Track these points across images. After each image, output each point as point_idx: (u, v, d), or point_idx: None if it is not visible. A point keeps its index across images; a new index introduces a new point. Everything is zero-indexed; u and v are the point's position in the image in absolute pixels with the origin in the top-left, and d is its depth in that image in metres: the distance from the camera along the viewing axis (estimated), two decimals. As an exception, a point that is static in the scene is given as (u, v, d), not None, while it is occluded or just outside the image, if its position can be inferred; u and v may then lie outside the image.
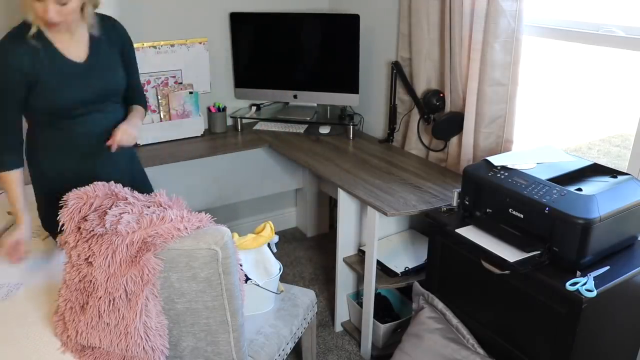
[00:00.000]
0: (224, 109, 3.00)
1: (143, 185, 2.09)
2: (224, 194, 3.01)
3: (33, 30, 1.67)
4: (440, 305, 2.01)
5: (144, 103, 2.08)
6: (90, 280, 1.46)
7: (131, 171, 2.05)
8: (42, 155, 1.87)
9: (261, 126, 3.06)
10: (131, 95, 2.01)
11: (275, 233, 1.96)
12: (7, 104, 1.72)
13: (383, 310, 2.48)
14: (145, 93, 2.12)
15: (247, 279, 1.83)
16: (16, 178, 1.79)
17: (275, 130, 3.01)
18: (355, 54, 2.81)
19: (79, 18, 1.73)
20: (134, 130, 1.89)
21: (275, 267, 1.95)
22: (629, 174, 1.82)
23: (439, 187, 2.28)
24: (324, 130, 2.97)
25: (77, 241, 1.47)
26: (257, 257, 1.92)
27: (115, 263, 1.41)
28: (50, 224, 1.90)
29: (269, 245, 1.95)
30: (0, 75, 1.69)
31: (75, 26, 1.75)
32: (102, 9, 2.44)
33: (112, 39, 1.87)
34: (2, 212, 2.25)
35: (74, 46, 1.77)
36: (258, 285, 1.86)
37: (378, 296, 2.47)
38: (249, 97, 3.14)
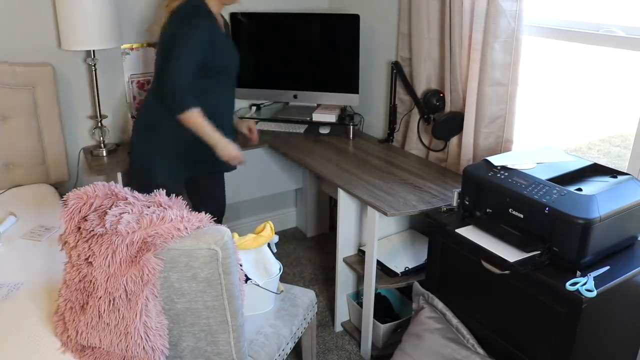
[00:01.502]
0: (224, 109, 3.00)
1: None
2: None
3: (214, 9, 2.17)
4: (440, 305, 2.01)
5: None
6: (90, 280, 1.46)
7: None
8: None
9: (261, 126, 3.06)
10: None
11: (275, 233, 1.96)
12: (196, 57, 2.09)
13: (383, 310, 2.48)
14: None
15: (247, 279, 1.83)
16: (201, 113, 2.13)
17: (275, 130, 3.01)
18: (355, 54, 2.81)
19: None
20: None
21: (275, 267, 1.95)
22: (629, 174, 1.82)
23: (439, 187, 2.28)
24: (324, 130, 2.97)
25: (77, 241, 1.47)
26: (257, 257, 1.92)
27: (115, 263, 1.41)
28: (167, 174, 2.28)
29: (269, 245, 1.95)
30: (194, 34, 2.08)
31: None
32: (104, 8, 2.45)
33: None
34: (2, 212, 2.25)
35: (221, 22, 2.26)
36: (258, 285, 1.86)
37: (378, 296, 2.47)
38: (249, 97, 3.13)
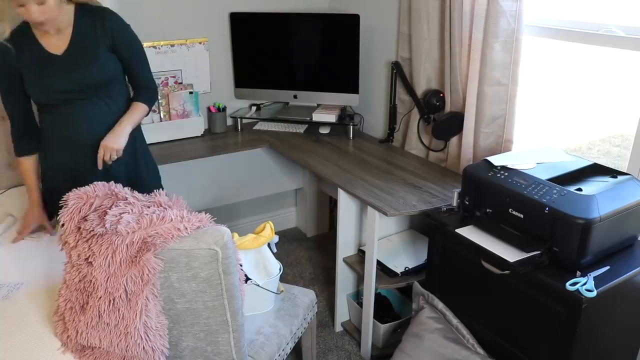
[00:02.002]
0: (224, 109, 3.00)
1: (148, 176, 2.16)
2: (224, 194, 3.01)
3: (7, 31, 1.81)
4: (440, 305, 2.01)
5: (147, 97, 2.07)
6: (90, 280, 1.46)
7: (133, 162, 2.10)
8: (44, 148, 2.01)
9: (261, 126, 3.06)
10: (134, 88, 2.07)
11: (275, 233, 1.96)
12: (8, 97, 1.91)
13: (383, 310, 2.48)
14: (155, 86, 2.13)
15: (247, 279, 1.83)
16: (29, 164, 1.99)
17: (275, 130, 3.01)
18: (355, 54, 2.81)
19: (61, 10, 1.82)
20: (116, 142, 1.92)
21: (275, 267, 1.95)
22: (629, 174, 1.82)
23: (439, 187, 2.28)
24: (324, 130, 2.97)
25: (77, 241, 1.47)
26: (257, 257, 1.92)
27: (115, 263, 1.41)
28: (49, 214, 2.09)
29: (269, 245, 1.95)
30: None
31: (60, 20, 1.84)
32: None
33: (97, 31, 1.90)
34: (2, 212, 2.25)
35: (56, 39, 1.87)
36: (258, 286, 1.86)
37: (378, 296, 2.47)
38: (249, 97, 3.14)
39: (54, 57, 1.86)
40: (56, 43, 1.87)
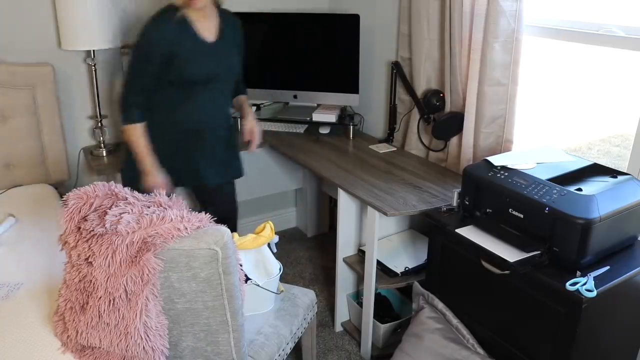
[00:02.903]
0: (224, 109, 3.00)
1: (232, 168, 2.41)
2: (224, 194, 3.01)
3: (179, 12, 2.00)
4: (440, 305, 2.01)
5: (246, 92, 2.45)
6: (90, 280, 1.46)
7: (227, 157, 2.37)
8: (166, 118, 2.15)
9: (261, 126, 3.06)
10: (237, 83, 2.33)
11: (275, 233, 1.96)
12: (148, 70, 2.02)
13: (383, 310, 2.48)
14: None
15: (247, 279, 1.83)
16: (143, 131, 2.08)
17: (275, 130, 3.00)
18: (355, 54, 2.81)
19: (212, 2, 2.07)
20: (259, 127, 2.36)
21: (275, 267, 1.95)
22: (629, 174, 1.82)
23: (439, 187, 2.28)
24: (324, 130, 2.97)
25: (77, 241, 1.47)
26: (257, 257, 1.92)
27: (115, 263, 1.41)
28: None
29: (269, 245, 1.95)
30: (146, 46, 2.01)
31: (210, 9, 2.09)
32: (104, 8, 2.45)
33: (234, 29, 2.21)
34: (3, 212, 2.25)
35: (207, 27, 2.09)
36: (258, 286, 1.86)
37: (378, 296, 2.47)
38: (249, 97, 3.11)
39: (207, 44, 2.09)
40: (208, 31, 2.09)
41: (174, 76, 2.05)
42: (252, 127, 2.33)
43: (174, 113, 2.12)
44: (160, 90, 2.08)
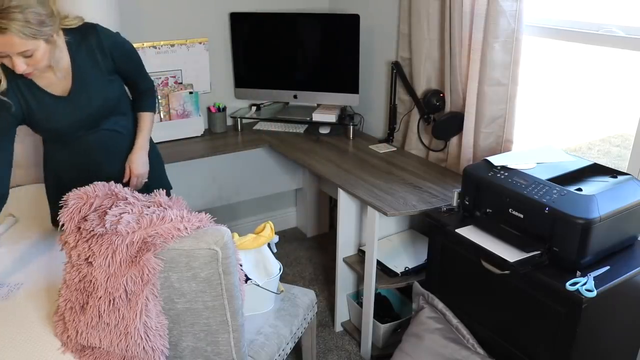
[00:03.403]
0: (224, 109, 3.00)
1: (155, 181, 2.12)
2: (224, 194, 3.01)
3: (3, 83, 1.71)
4: (440, 305, 2.01)
5: (149, 102, 2.08)
6: (90, 280, 1.46)
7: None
8: (51, 158, 2.00)
9: (261, 126, 3.06)
10: (134, 93, 2.05)
11: (275, 233, 1.96)
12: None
13: (383, 310, 2.48)
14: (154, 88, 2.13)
15: (247, 279, 1.83)
16: None
17: (275, 130, 3.01)
18: (355, 54, 2.81)
19: (53, 55, 1.71)
20: (142, 165, 2.01)
21: (276, 267, 1.95)
22: (629, 174, 1.82)
23: (439, 187, 2.28)
24: (324, 130, 2.97)
25: (77, 241, 1.47)
26: (257, 257, 1.92)
27: (115, 263, 1.41)
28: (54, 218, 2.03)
29: (269, 245, 1.95)
30: None
31: (55, 61, 1.74)
32: (104, 8, 2.44)
33: (97, 57, 1.83)
34: (3, 212, 2.25)
35: (56, 81, 1.79)
36: (258, 286, 1.86)
37: (378, 296, 2.47)
38: (249, 97, 3.14)
39: (61, 100, 1.81)
40: (59, 84, 1.80)
41: (41, 131, 1.89)
42: (131, 162, 2.00)
43: (53, 164, 1.99)
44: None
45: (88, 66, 1.82)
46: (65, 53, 1.77)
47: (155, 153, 2.20)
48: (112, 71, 1.88)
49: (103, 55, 1.83)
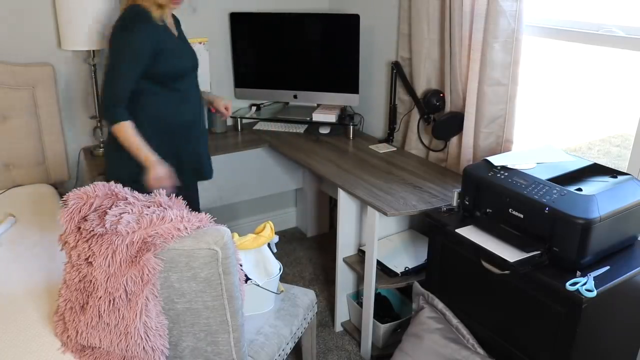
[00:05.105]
0: (224, 109, 3.00)
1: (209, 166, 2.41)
2: (224, 194, 3.01)
3: (156, 13, 2.03)
4: (440, 305, 2.01)
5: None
6: (90, 280, 1.46)
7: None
8: (158, 112, 2.16)
9: (261, 126, 3.06)
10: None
11: (275, 233, 1.96)
12: (137, 71, 2.01)
13: (383, 310, 2.48)
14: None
15: (247, 279, 1.83)
16: (133, 127, 2.05)
17: (275, 130, 3.01)
18: (355, 54, 2.81)
19: None
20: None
21: (276, 267, 1.95)
22: (629, 174, 1.82)
23: (439, 187, 2.28)
24: (324, 130, 2.97)
25: (77, 241, 1.47)
26: (257, 257, 1.92)
27: (115, 263, 1.41)
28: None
29: (269, 245, 1.95)
30: (136, 49, 2.00)
31: None
32: (102, 8, 2.44)
33: (179, 25, 2.26)
34: (2, 212, 2.25)
35: (171, 24, 2.16)
36: (258, 286, 1.86)
37: (378, 296, 2.47)
38: (249, 97, 3.13)
39: (179, 41, 2.18)
40: (172, 28, 2.15)
41: (161, 71, 2.07)
42: (224, 101, 2.48)
43: (162, 109, 2.13)
44: (142, 88, 2.07)
45: (179, 25, 2.25)
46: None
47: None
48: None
49: (180, 27, 2.26)
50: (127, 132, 2.03)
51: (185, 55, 2.19)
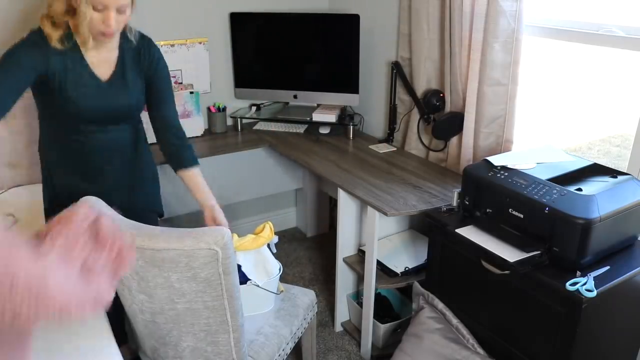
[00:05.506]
0: (224, 109, 3.00)
1: (146, 207, 2.04)
2: (224, 194, 3.00)
3: (54, 34, 1.67)
4: (440, 305, 2.01)
5: (191, 151, 1.93)
6: None
7: (133, 191, 2.00)
8: (52, 170, 1.91)
9: (261, 126, 3.06)
10: (166, 135, 1.93)
11: (275, 233, 1.96)
12: (7, 79, 1.63)
13: (383, 310, 2.48)
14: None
15: (247, 279, 1.83)
16: None
17: (275, 130, 3.01)
18: (355, 54, 2.81)
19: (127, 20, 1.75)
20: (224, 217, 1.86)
21: (275, 267, 1.95)
22: (629, 174, 1.82)
23: (439, 187, 2.28)
24: (324, 130, 2.97)
25: None
26: (257, 257, 1.92)
27: None
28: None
29: (268, 246, 1.95)
30: (18, 51, 1.66)
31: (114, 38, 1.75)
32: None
33: (141, 59, 1.85)
34: (3, 212, 2.25)
35: (102, 62, 1.78)
36: (258, 286, 1.86)
37: (378, 296, 2.47)
38: (249, 97, 3.14)
39: (100, 83, 1.78)
40: (103, 65, 1.78)
41: (58, 106, 1.76)
42: (219, 219, 1.84)
43: (51, 157, 1.89)
44: (49, 133, 1.84)
45: (132, 63, 1.83)
46: (117, 39, 1.77)
47: (153, 171, 2.12)
48: (144, 79, 1.87)
49: (147, 60, 1.85)
50: None
51: (100, 96, 1.77)
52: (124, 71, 1.82)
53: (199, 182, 1.91)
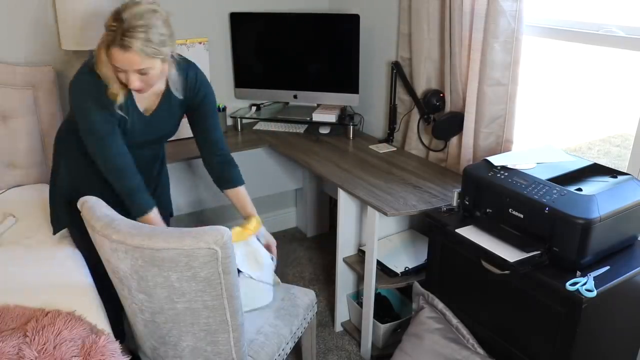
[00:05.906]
0: (224, 109, 3.00)
1: (163, 210, 2.05)
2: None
3: (120, 98, 1.73)
4: (440, 305, 2.01)
5: (236, 170, 2.03)
6: None
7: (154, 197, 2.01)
8: (74, 173, 1.97)
9: (261, 126, 3.06)
10: (213, 158, 2.01)
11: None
12: (114, 147, 1.77)
13: (383, 310, 2.48)
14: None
15: (239, 271, 1.81)
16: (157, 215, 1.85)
17: (275, 130, 3.01)
18: (355, 54, 2.81)
19: (165, 75, 1.77)
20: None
21: (267, 257, 1.93)
22: (629, 174, 1.82)
23: (439, 187, 2.28)
24: (324, 130, 2.97)
25: None
26: (247, 249, 1.89)
27: None
28: (62, 222, 2.05)
29: (257, 238, 1.95)
30: (102, 123, 1.74)
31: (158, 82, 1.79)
32: (103, 8, 2.44)
33: (187, 96, 1.89)
34: (2, 212, 2.25)
35: (147, 99, 1.85)
36: (251, 278, 1.85)
37: (378, 296, 2.47)
38: (249, 97, 3.14)
39: (143, 117, 1.86)
40: (147, 102, 1.85)
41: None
42: (270, 242, 2.03)
43: (73, 170, 1.97)
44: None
45: (176, 97, 1.88)
46: (165, 75, 1.79)
47: (167, 175, 2.25)
48: (192, 108, 1.93)
49: (194, 96, 1.90)
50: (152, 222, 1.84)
51: (140, 128, 1.86)
52: (169, 105, 1.89)
53: (245, 199, 2.03)
